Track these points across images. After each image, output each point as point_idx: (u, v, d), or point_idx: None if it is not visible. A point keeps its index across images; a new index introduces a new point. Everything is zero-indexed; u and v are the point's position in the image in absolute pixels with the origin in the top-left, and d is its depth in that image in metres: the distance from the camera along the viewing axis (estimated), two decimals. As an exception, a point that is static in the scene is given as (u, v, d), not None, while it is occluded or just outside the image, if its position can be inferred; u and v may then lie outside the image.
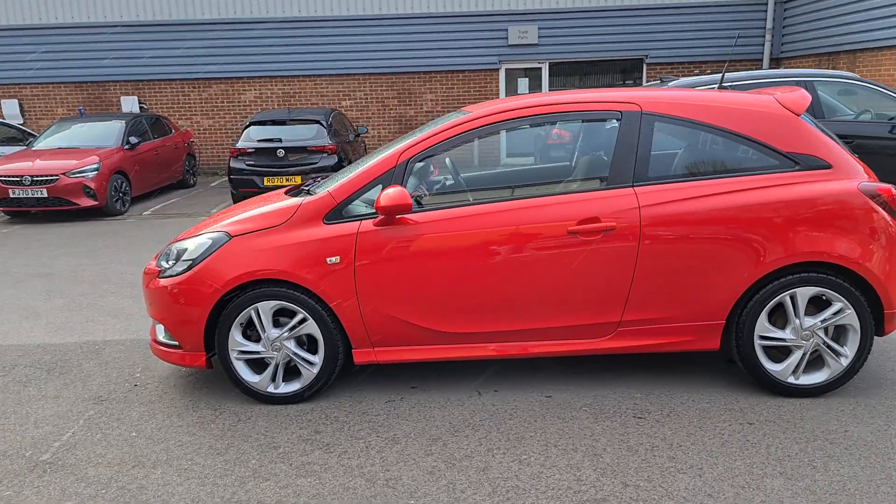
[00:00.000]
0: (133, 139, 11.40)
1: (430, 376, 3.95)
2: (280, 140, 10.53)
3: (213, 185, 13.65)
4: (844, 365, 3.44)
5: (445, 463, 3.03)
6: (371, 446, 3.21)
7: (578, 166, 3.62)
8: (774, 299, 3.39)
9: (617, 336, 3.54)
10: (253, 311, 3.58)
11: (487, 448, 3.14)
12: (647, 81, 9.87)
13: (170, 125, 13.16)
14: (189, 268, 3.62)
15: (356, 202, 3.58)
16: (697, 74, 14.07)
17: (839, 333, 3.46)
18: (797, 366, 3.46)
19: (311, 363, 3.64)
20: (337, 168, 10.34)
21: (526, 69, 15.06)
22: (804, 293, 3.37)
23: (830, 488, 2.71)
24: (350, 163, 11.63)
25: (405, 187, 3.49)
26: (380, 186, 3.55)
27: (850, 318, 3.38)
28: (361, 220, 3.53)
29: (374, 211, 3.53)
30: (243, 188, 10.40)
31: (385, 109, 15.24)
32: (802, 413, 3.33)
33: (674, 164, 3.49)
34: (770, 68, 14.38)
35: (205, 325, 3.61)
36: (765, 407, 3.40)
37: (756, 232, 3.32)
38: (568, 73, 15.38)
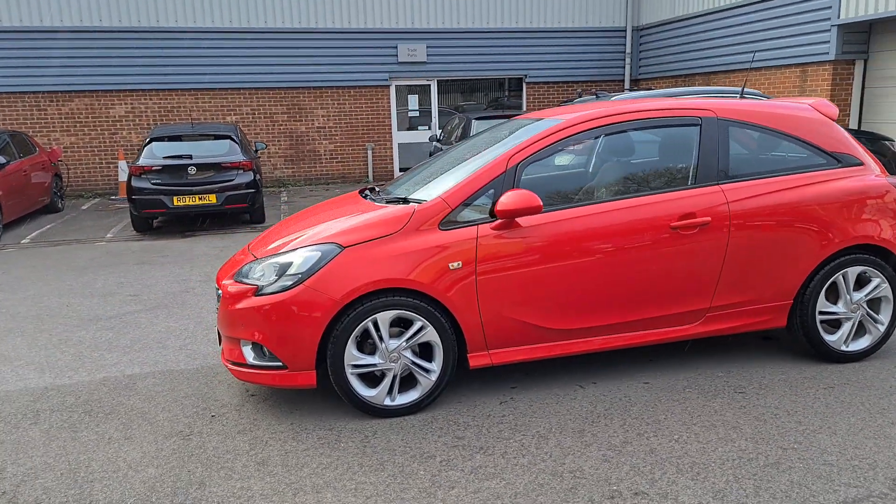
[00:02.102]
0: (1, 158, 10.05)
1: (521, 377, 4.04)
2: (190, 157, 9.86)
3: (83, 208, 12.36)
4: (882, 331, 4.08)
5: (611, 450, 3.17)
6: (525, 445, 3.26)
7: (664, 167, 3.93)
8: (831, 278, 3.94)
9: (706, 321, 3.90)
10: (371, 323, 3.47)
11: (637, 433, 3.33)
12: (580, 98, 10.58)
13: (32, 142, 11.73)
14: (298, 282, 3.43)
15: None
16: (576, 93, 15.28)
17: (875, 305, 4.09)
18: (848, 335, 4.04)
19: (428, 371, 3.59)
20: (253, 186, 9.90)
21: (415, 86, 15.37)
22: (853, 272, 3.97)
23: (890, 430, 3.25)
24: (262, 179, 11.13)
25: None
26: (492, 191, 3.62)
27: (886, 290, 4.02)
28: (478, 224, 3.57)
29: (486, 216, 3.59)
30: (148, 209, 9.61)
31: (274, 125, 14.75)
32: (863, 374, 3.90)
33: (746, 163, 3.93)
34: (631, 89, 15.98)
35: (319, 340, 3.43)
36: (828, 373, 3.93)
37: (819, 221, 3.86)
38: (455, 91, 15.94)
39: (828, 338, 4.02)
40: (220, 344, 3.96)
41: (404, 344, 3.52)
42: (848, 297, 3.99)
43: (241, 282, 3.62)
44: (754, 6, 12.05)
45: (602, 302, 3.71)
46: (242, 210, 10.06)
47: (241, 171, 9.99)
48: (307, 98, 14.79)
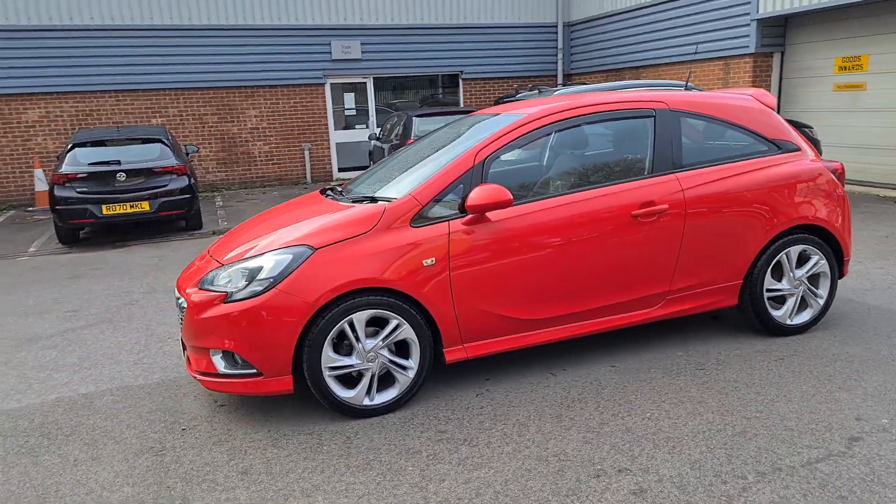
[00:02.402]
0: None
1: (493, 369, 4.12)
2: (118, 162, 9.47)
3: (-3, 220, 11.70)
4: (821, 304, 4.37)
5: (590, 432, 3.29)
6: (507, 433, 3.34)
7: (623, 158, 4.07)
8: (776, 258, 4.19)
9: (665, 304, 4.08)
10: (346, 324, 3.46)
11: (612, 414, 3.46)
12: (520, 94, 10.74)
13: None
14: (270, 286, 3.38)
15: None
16: (513, 88, 15.52)
17: (814, 280, 4.37)
18: (792, 309, 4.31)
19: (405, 368, 3.62)
20: (188, 191, 9.62)
21: (351, 83, 15.24)
22: (795, 251, 4.23)
23: (874, 390, 3.50)
24: (198, 183, 10.76)
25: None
26: (461, 187, 3.67)
27: (824, 266, 4.31)
28: (449, 220, 3.61)
29: (455, 211, 3.64)
30: (75, 220, 9.18)
31: (204, 127, 14.34)
32: (807, 345, 4.16)
33: (697, 152, 4.12)
34: (564, 83, 16.38)
35: (295, 344, 3.40)
36: (777, 346, 4.18)
37: (764, 204, 4.10)
38: (392, 88, 15.90)
39: (775, 313, 4.27)
40: (184, 355, 3.86)
41: (381, 343, 3.54)
42: (791, 274, 4.25)
43: (208, 289, 3.54)
44: (678, 2, 12.55)
45: (570, 290, 3.82)
46: (178, 217, 9.75)
47: (175, 176, 9.69)
48: (238, 98, 14.44)
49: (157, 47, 13.54)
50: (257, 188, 14.69)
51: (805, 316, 4.36)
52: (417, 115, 11.65)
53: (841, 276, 4.44)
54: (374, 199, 3.79)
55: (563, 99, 4.16)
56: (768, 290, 4.23)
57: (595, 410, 3.51)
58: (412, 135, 11.44)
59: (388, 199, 3.71)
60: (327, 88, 15.00)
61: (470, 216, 3.61)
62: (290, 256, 3.44)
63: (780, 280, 4.26)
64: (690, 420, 3.34)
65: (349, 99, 15.43)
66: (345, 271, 3.43)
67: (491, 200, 3.52)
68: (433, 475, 3.01)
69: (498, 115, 4.23)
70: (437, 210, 3.64)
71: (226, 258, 3.72)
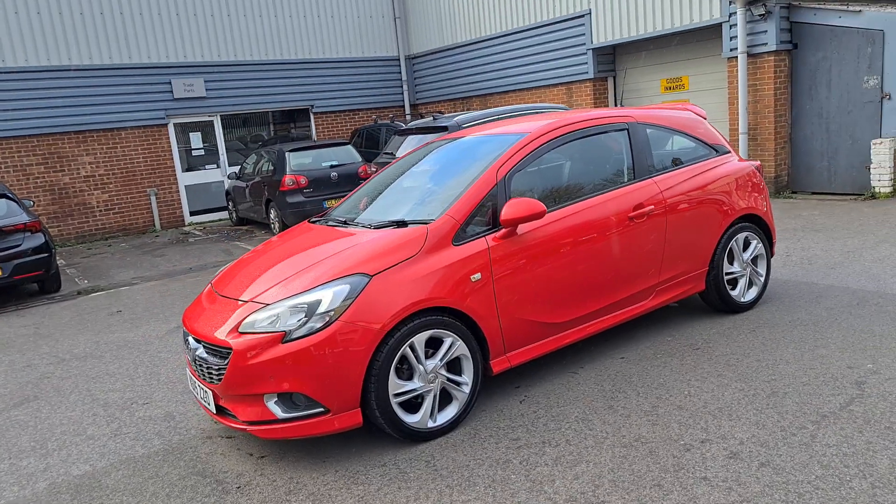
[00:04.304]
0: None
1: (515, 378, 4.26)
2: (-41, 224, 8.21)
3: None
4: (762, 282, 5.10)
5: (650, 415, 3.56)
6: (578, 430, 3.50)
7: (612, 167, 4.45)
8: (729, 245, 4.84)
9: (656, 295, 4.52)
10: (408, 347, 3.43)
11: (655, 397, 3.77)
12: (416, 120, 10.89)
13: None
14: (333, 319, 3.27)
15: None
16: (371, 119, 15.71)
17: (755, 262, 5.09)
18: (744, 288, 4.99)
19: (460, 384, 3.65)
20: (45, 249, 8.54)
21: (197, 122, 14.46)
22: (742, 237, 4.91)
23: (843, 343, 4.20)
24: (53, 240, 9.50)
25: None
26: (490, 203, 3.81)
27: (761, 249, 5.05)
28: (485, 235, 3.74)
29: (488, 227, 3.77)
30: None
31: (29, 178, 12.79)
32: (763, 317, 4.84)
33: (662, 158, 4.65)
34: (412, 114, 16.92)
35: (364, 375, 3.30)
36: (741, 321, 4.81)
37: (720, 198, 4.72)
38: (241, 125, 15.31)
39: (732, 293, 4.91)
40: (214, 410, 3.54)
41: (439, 363, 3.54)
42: (741, 257, 4.92)
43: (257, 332, 3.31)
44: (520, 34, 13.64)
45: (587, 291, 4.11)
46: (35, 279, 8.62)
47: (29, 234, 8.60)
48: (69, 144, 13.07)
49: (-36, 91, 11.87)
50: (98, 241, 13.33)
51: (753, 293, 5.06)
52: (291, 151, 11.41)
53: (772, 255, 5.22)
54: (404, 223, 3.79)
55: (547, 118, 4.48)
56: (727, 274, 4.86)
57: (638, 397, 3.81)
58: (287, 170, 11.18)
59: (420, 222, 3.74)
60: (171, 129, 14.09)
61: (505, 230, 3.77)
62: (349, 286, 3.35)
63: (732, 264, 4.91)
64: (723, 391, 3.76)
65: (196, 138, 14.61)
66: (403, 295, 3.40)
67: (525, 213, 3.70)
68: (539, 478, 3.09)
69: (486, 135, 4.44)
70: (473, 227, 3.75)
71: (259, 297, 3.50)
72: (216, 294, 3.84)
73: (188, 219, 14.48)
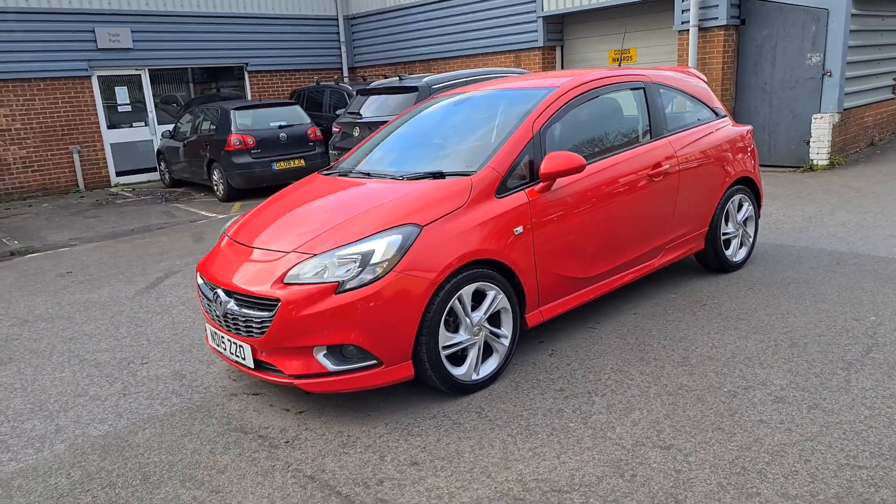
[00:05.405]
0: None
1: (536, 333, 4.27)
2: None
3: None
4: (751, 242, 5.35)
5: (682, 365, 3.67)
6: (619, 380, 3.56)
7: (631, 125, 4.48)
8: (726, 206, 5.03)
9: (664, 253, 4.64)
10: (456, 300, 3.37)
11: (682, 348, 3.89)
12: (382, 80, 10.51)
13: None
14: (388, 269, 3.15)
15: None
16: (313, 81, 15.16)
17: (746, 223, 5.32)
18: (737, 248, 5.21)
19: (500, 337, 3.63)
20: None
21: (124, 76, 13.48)
22: (736, 199, 5.12)
23: (839, 298, 4.48)
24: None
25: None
26: (527, 156, 3.77)
27: (751, 210, 5.28)
28: (525, 188, 3.70)
29: (526, 180, 3.74)
30: None
31: (-67, 131, 11.55)
32: (755, 276, 5.08)
33: (673, 119, 4.74)
34: (349, 77, 16.47)
35: (417, 327, 3.22)
36: (736, 280, 5.03)
37: (723, 160, 4.88)
38: (171, 81, 14.40)
39: (728, 253, 5.12)
40: (252, 366, 3.36)
41: (483, 315, 3.50)
42: (736, 218, 5.13)
43: (304, 283, 3.14)
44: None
45: (612, 247, 4.16)
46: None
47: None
48: (-20, 94, 11.88)
49: None
50: (16, 201, 12.28)
51: (743, 253, 5.29)
52: (236, 109, 10.84)
53: (758, 217, 5.47)
54: (442, 175, 3.69)
55: (568, 74, 4.46)
56: (724, 234, 5.05)
57: (665, 349, 3.92)
58: (233, 129, 10.63)
59: (457, 174, 3.65)
60: (95, 82, 13.07)
61: (543, 183, 3.74)
62: (401, 236, 3.23)
63: (727, 224, 5.12)
64: (746, 342, 3.92)
65: (122, 93, 13.63)
66: (454, 246, 3.32)
67: (566, 167, 3.68)
68: (598, 425, 3.13)
69: (511, 89, 4.38)
70: (511, 181, 3.70)
71: (302, 247, 3.32)
72: (243, 245, 3.61)
73: (115, 179, 13.55)
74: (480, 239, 3.42)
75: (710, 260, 5.09)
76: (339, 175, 4.25)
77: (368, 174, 4.07)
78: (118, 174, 13.63)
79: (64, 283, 6.42)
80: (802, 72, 9.54)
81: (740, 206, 5.19)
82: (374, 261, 3.16)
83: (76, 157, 12.95)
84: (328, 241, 3.30)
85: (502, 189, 3.62)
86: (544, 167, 3.66)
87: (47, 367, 4.28)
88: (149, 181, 13.90)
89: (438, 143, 4.21)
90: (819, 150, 9.42)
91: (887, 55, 10.96)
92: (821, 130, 9.32)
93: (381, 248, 3.19)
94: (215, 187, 11.13)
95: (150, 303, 5.53)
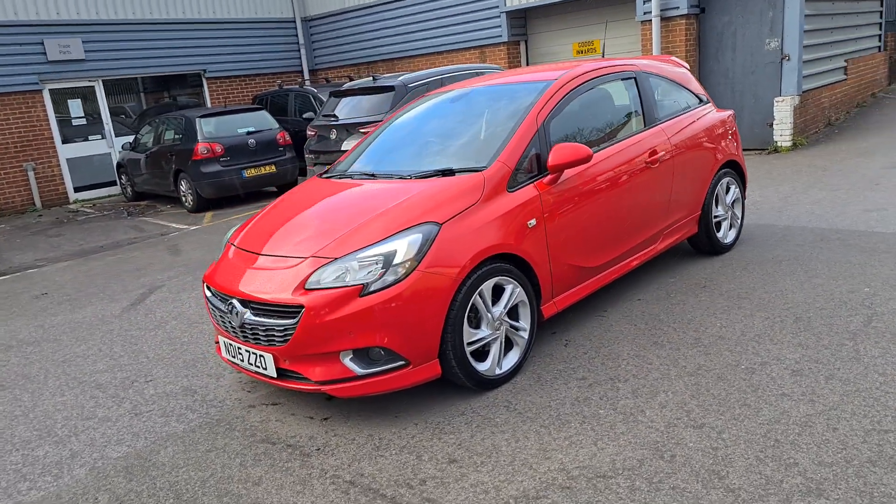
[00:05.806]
0: None
1: (549, 323, 4.29)
2: None
3: None
4: (739, 223, 5.48)
5: (697, 347, 3.74)
6: (639, 365, 3.61)
7: (627, 113, 4.53)
8: (716, 189, 5.14)
9: (663, 238, 4.72)
10: (478, 295, 3.37)
11: (693, 330, 3.96)
12: (355, 81, 10.33)
13: None
14: (411, 269, 3.13)
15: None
16: (276, 85, 14.93)
17: (734, 205, 5.45)
18: (727, 230, 5.33)
19: (518, 330, 3.64)
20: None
21: (77, 88, 13.05)
22: (725, 182, 5.24)
23: (830, 273, 4.62)
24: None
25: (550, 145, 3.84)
26: (533, 149, 3.78)
27: (738, 193, 5.42)
28: (534, 181, 3.72)
29: (534, 172, 3.75)
30: None
31: None
32: (746, 256, 5.21)
33: (663, 107, 4.82)
34: (310, 79, 16.28)
35: (442, 324, 3.21)
36: (728, 260, 5.15)
37: (712, 144, 4.99)
38: (128, 91, 14.00)
39: (718, 235, 5.24)
40: (275, 375, 3.30)
41: (503, 310, 3.51)
42: (725, 201, 5.25)
43: (327, 288, 3.10)
44: (429, -4, 13.47)
45: (616, 235, 4.22)
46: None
47: None
48: (-75, 113, 11.36)
49: None
50: (-29, 223, 11.78)
51: (732, 235, 5.42)
52: (202, 116, 10.61)
53: (744, 199, 5.61)
54: (451, 172, 3.68)
55: (563, 66, 4.50)
56: (714, 217, 5.17)
57: (676, 332, 3.98)
58: (199, 137, 10.39)
59: (467, 170, 3.65)
60: (46, 95, 12.63)
61: (551, 175, 3.76)
62: (421, 235, 3.21)
63: (717, 208, 5.24)
64: (752, 320, 4.02)
65: (75, 106, 13.19)
66: (473, 242, 3.32)
67: (573, 158, 3.70)
68: (627, 410, 3.17)
69: (507, 83, 4.39)
70: (520, 174, 3.71)
71: (320, 251, 3.27)
72: (251, 253, 3.54)
73: (73, 195, 13.12)
74: (497, 234, 3.42)
75: (703, 243, 5.19)
76: (341, 177, 4.20)
77: (373, 175, 4.04)
78: (76, 189, 13.20)
79: (42, 304, 6.19)
80: (762, 57, 9.82)
81: (728, 189, 5.31)
82: (396, 261, 3.13)
83: (31, 174, 12.49)
84: (346, 243, 3.26)
85: (513, 183, 3.63)
86: (552, 159, 3.68)
87: (45, 392, 4.12)
88: (109, 196, 13.50)
89: (439, 141, 4.20)
90: (782, 133, 9.71)
91: (838, 37, 11.37)
92: (783, 113, 9.61)
93: (403, 248, 3.16)
94: (183, 198, 10.87)
95: (140, 319, 5.37)
